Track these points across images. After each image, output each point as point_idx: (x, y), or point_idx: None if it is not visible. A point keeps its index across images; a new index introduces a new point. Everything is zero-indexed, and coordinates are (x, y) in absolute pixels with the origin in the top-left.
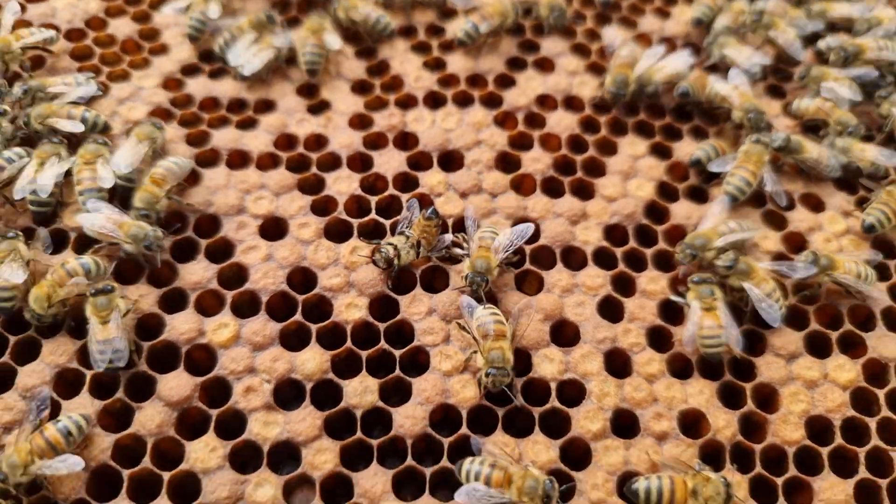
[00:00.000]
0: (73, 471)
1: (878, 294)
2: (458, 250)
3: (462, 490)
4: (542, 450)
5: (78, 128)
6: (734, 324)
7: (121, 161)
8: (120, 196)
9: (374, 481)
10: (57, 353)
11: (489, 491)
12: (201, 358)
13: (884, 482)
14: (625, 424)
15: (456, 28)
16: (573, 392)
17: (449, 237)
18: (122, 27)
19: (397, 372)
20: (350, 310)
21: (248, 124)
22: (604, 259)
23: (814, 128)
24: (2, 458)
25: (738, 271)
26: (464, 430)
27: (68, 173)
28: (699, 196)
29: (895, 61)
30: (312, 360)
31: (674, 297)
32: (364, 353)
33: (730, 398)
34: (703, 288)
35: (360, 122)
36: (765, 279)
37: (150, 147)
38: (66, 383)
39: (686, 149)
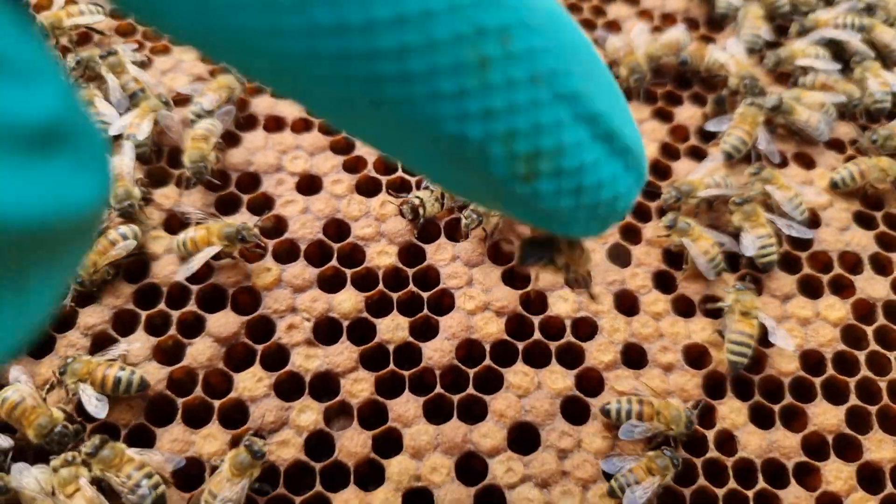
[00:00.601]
0: (93, 413)
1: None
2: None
3: (622, 430)
4: (558, 378)
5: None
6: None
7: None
8: None
9: (406, 407)
10: (114, 294)
11: (643, 425)
12: (245, 300)
13: (873, 408)
14: (634, 357)
15: None
16: (586, 328)
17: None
18: None
19: (425, 311)
20: (381, 256)
21: None
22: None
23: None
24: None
25: (678, 230)
26: (487, 362)
27: None
28: (699, 155)
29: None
30: (348, 301)
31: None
32: (395, 295)
33: None
34: (744, 295)
35: None
36: (702, 237)
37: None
38: (122, 323)
39: (686, 113)
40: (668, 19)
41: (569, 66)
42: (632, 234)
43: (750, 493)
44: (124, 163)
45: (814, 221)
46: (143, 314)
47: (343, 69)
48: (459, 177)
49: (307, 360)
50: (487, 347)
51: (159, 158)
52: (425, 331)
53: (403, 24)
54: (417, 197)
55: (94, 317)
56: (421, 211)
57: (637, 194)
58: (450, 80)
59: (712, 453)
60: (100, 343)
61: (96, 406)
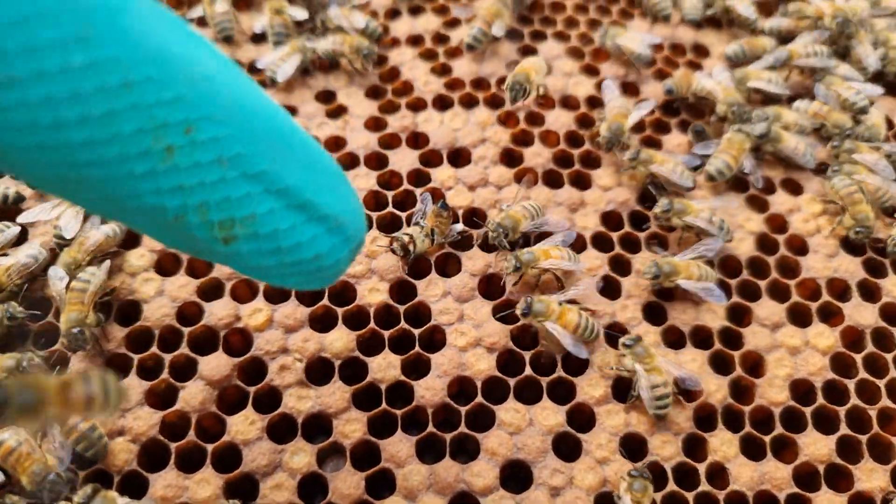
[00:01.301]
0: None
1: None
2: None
3: None
4: (550, 414)
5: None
6: (675, 367)
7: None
8: None
9: (398, 447)
10: (106, 338)
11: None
12: (237, 341)
13: (863, 437)
14: (625, 390)
15: (463, 34)
16: (577, 363)
17: (459, 226)
18: None
19: (417, 349)
20: (372, 294)
21: None
22: (601, 242)
23: None
24: None
25: (535, 314)
26: (479, 399)
27: None
28: None
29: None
30: (340, 340)
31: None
32: (386, 333)
33: (720, 365)
34: (637, 349)
35: (374, 124)
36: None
37: None
38: (116, 367)
39: (674, 140)
40: (657, 46)
41: (256, 149)
42: (621, 266)
43: None
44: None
45: (801, 248)
46: (136, 358)
47: (48, 156)
48: (174, 238)
49: (299, 402)
50: (479, 384)
51: None
52: (417, 368)
53: (88, 122)
54: (407, 234)
55: (85, 363)
56: (411, 248)
57: (346, 254)
58: (141, 162)
59: (704, 486)
60: None
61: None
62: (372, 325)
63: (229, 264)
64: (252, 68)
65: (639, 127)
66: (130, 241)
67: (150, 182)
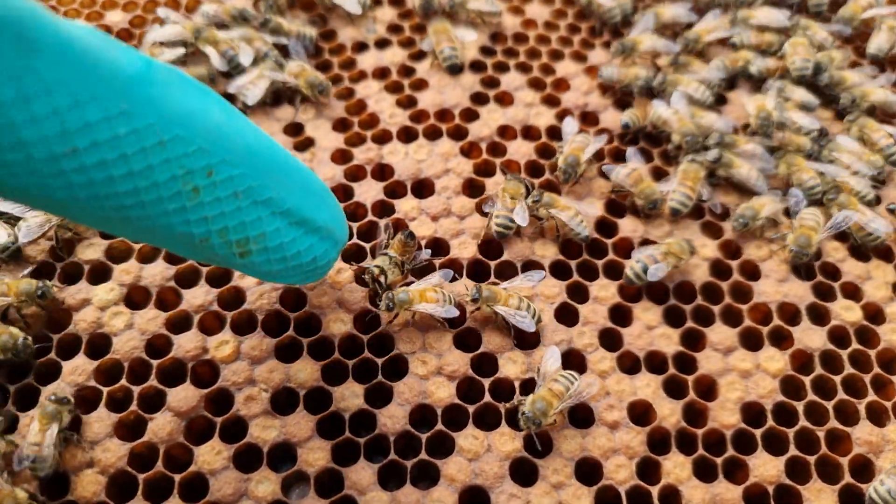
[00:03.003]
0: None
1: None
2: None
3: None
4: (507, 440)
5: None
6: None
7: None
8: None
9: (361, 475)
10: (76, 372)
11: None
12: (205, 372)
13: (811, 458)
14: (581, 416)
15: (425, 66)
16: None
17: (425, 253)
18: None
19: (380, 377)
20: (336, 324)
21: None
22: (560, 270)
23: None
24: None
25: (484, 299)
26: (439, 426)
27: None
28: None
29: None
30: (304, 370)
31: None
32: (350, 362)
33: (674, 389)
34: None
35: (341, 156)
36: (510, 296)
37: None
38: (85, 400)
39: None
40: None
41: (262, 181)
42: (579, 293)
43: None
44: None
45: (754, 273)
46: (105, 390)
47: (99, 203)
48: (199, 255)
49: (264, 431)
50: (439, 412)
51: None
52: (380, 396)
53: (132, 176)
54: (377, 266)
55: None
56: (382, 279)
57: (335, 254)
58: (174, 202)
59: None
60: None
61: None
62: (336, 354)
63: (244, 271)
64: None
65: (598, 156)
66: (100, 275)
67: (180, 216)
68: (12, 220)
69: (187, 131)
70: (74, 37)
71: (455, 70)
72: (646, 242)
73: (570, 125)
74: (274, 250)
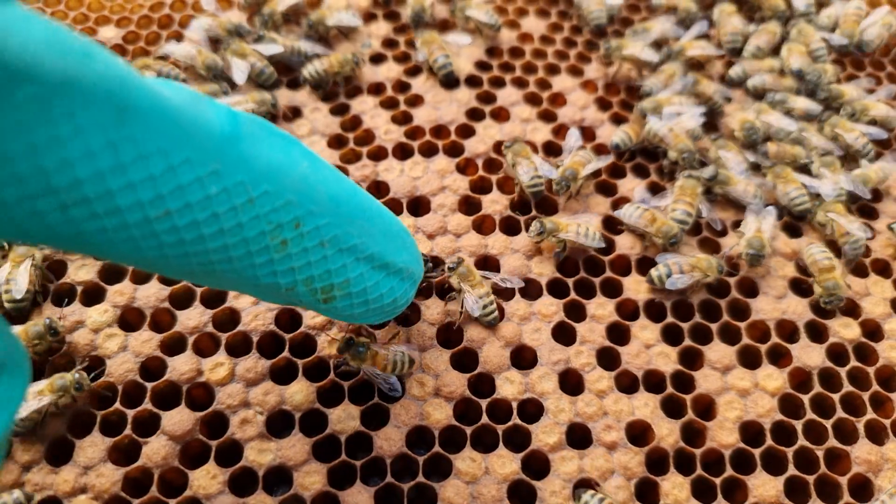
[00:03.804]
0: None
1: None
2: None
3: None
4: (505, 462)
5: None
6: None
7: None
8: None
9: (358, 498)
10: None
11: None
12: (200, 395)
13: (811, 478)
14: (579, 436)
15: (421, 81)
16: (532, 409)
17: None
18: None
19: (376, 399)
20: (332, 345)
21: None
22: (557, 288)
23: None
24: None
25: (459, 274)
26: (436, 448)
27: None
28: None
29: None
30: (300, 392)
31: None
32: (346, 384)
33: (672, 409)
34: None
35: None
36: (480, 283)
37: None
38: (80, 424)
39: (629, 185)
40: (612, 89)
41: (347, 229)
42: (576, 312)
43: None
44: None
45: (751, 290)
46: (99, 414)
47: (189, 260)
48: (282, 300)
49: (260, 455)
50: (436, 434)
51: None
52: (376, 418)
53: (222, 233)
54: None
55: (52, 425)
56: None
57: (413, 292)
58: (261, 256)
59: None
60: (55, 447)
61: None
62: (332, 376)
63: (326, 314)
64: None
65: (594, 172)
66: (93, 296)
67: (267, 268)
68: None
69: (275, 186)
70: (166, 100)
71: (450, 79)
72: (644, 260)
73: (573, 137)
74: (357, 295)
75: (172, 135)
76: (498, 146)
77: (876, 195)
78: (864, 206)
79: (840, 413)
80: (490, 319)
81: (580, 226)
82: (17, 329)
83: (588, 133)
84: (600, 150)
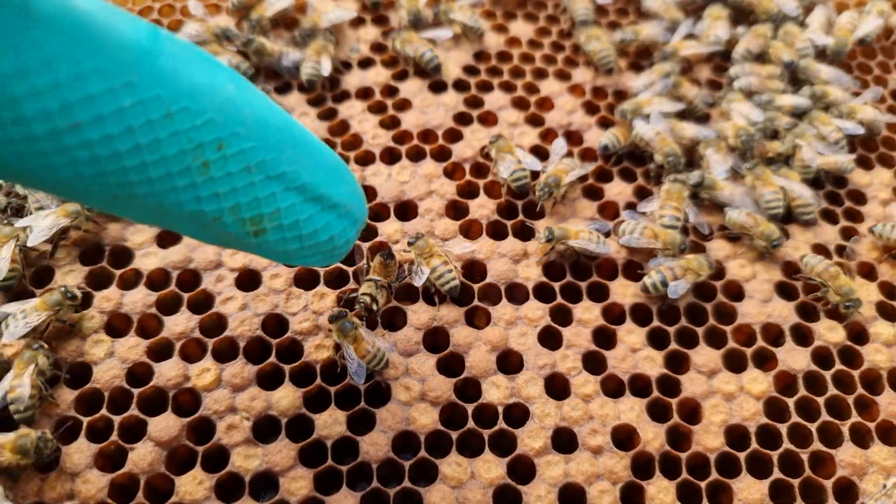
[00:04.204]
0: None
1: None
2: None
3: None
4: (491, 467)
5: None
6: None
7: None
8: None
9: (344, 503)
10: (56, 402)
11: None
12: (187, 400)
13: (795, 481)
14: (564, 441)
15: (411, 87)
16: (518, 414)
17: (407, 266)
18: None
19: (362, 404)
20: (319, 350)
21: None
22: (543, 293)
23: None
24: None
25: (417, 248)
26: (422, 453)
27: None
28: None
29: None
30: (286, 398)
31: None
32: (332, 389)
33: (658, 413)
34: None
35: None
36: (437, 255)
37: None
38: (67, 430)
39: (615, 189)
40: (600, 93)
41: (276, 156)
42: (563, 316)
43: None
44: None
45: (738, 294)
46: (85, 420)
47: (106, 180)
48: (211, 236)
49: (246, 461)
50: (422, 438)
51: (101, 258)
52: (363, 423)
53: (139, 150)
54: (366, 294)
55: (36, 427)
56: (374, 307)
57: (354, 233)
58: (183, 178)
59: None
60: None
61: None
62: (318, 381)
63: (259, 252)
64: None
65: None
66: (81, 303)
67: (190, 192)
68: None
69: (196, 103)
70: (77, 6)
71: (437, 71)
72: (630, 264)
73: (559, 145)
74: (289, 228)
75: (81, 40)
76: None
77: (860, 199)
78: (850, 210)
79: (825, 416)
80: (448, 289)
81: (591, 233)
82: (36, 301)
83: (575, 137)
84: (588, 154)
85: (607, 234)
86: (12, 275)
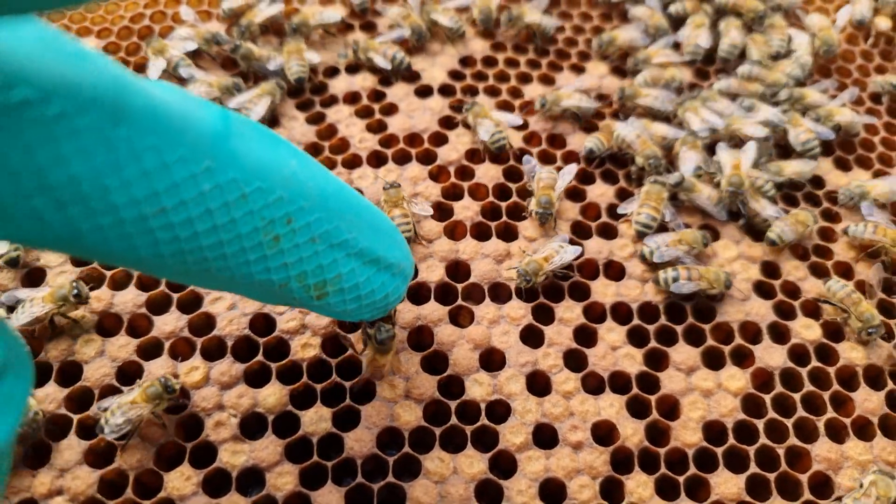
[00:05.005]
0: None
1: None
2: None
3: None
4: (473, 462)
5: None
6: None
7: None
8: None
9: (328, 498)
10: (47, 401)
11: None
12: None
13: (772, 476)
14: (545, 437)
15: (400, 91)
16: (500, 410)
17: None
18: None
19: (348, 401)
20: (305, 349)
21: None
22: (526, 292)
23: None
24: None
25: (388, 194)
26: (406, 449)
27: None
28: (608, 233)
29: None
30: (273, 395)
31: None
32: (318, 387)
33: (637, 409)
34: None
35: None
36: (402, 208)
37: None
38: (55, 427)
39: (598, 191)
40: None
41: (337, 224)
42: (544, 315)
43: None
44: None
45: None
46: (75, 418)
47: (184, 257)
48: (276, 299)
49: (233, 457)
50: (406, 434)
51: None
52: (348, 420)
53: (216, 230)
54: None
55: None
56: None
57: (405, 288)
58: (255, 252)
59: None
60: (33, 451)
61: None
62: (305, 378)
63: (320, 311)
64: None
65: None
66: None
67: (261, 265)
68: None
69: (267, 182)
70: (159, 99)
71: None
72: (611, 264)
73: (528, 163)
74: (349, 290)
75: (165, 133)
76: (470, 154)
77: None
78: (828, 211)
79: (801, 412)
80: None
81: (559, 248)
82: (45, 293)
83: (558, 141)
84: (570, 157)
85: (572, 242)
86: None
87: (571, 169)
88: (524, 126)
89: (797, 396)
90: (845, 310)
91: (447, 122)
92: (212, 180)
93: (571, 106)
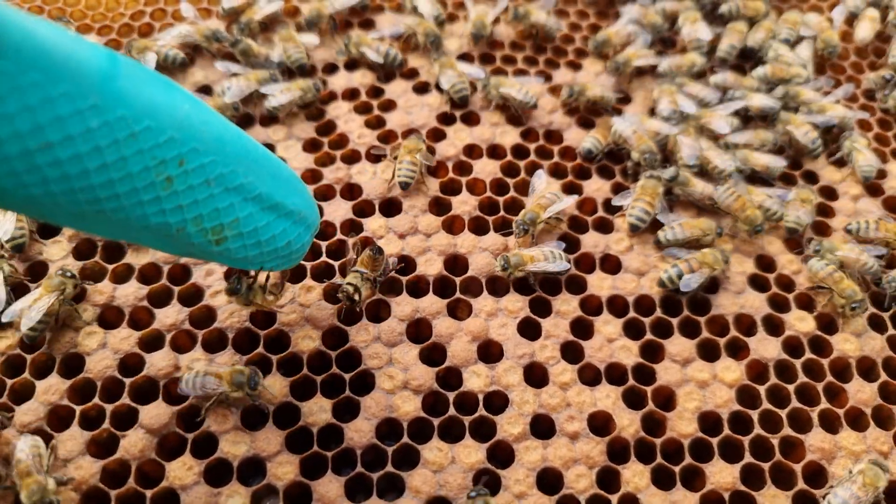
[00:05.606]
0: None
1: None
2: None
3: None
4: (471, 452)
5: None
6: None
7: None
8: None
9: (328, 487)
10: (49, 392)
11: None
12: (177, 389)
13: (766, 465)
14: (542, 427)
15: (399, 87)
16: (498, 401)
17: (392, 260)
18: None
19: (347, 392)
20: (305, 341)
21: None
22: (523, 286)
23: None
24: None
25: (410, 140)
26: (405, 439)
27: None
28: (605, 228)
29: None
30: (274, 386)
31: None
32: (318, 378)
33: (633, 400)
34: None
35: (311, 176)
36: (412, 157)
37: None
38: (58, 418)
39: (594, 185)
40: None
41: (233, 168)
42: (541, 307)
43: None
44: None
45: (711, 286)
46: (78, 409)
47: (75, 197)
48: (176, 246)
49: (234, 447)
50: (405, 425)
51: (94, 253)
52: (347, 411)
53: (106, 168)
54: (350, 284)
55: (29, 415)
56: (357, 297)
57: (308, 238)
58: (148, 192)
59: None
60: None
61: None
62: (305, 370)
63: (221, 260)
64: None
65: (559, 173)
66: (74, 296)
67: (155, 206)
68: None
69: (157, 122)
70: (42, 35)
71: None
72: (607, 257)
73: (539, 179)
74: (248, 235)
75: (48, 68)
76: (468, 149)
77: (832, 194)
78: (821, 206)
79: (795, 403)
80: (398, 181)
81: (549, 253)
82: (40, 288)
83: (555, 136)
84: (567, 152)
85: (566, 250)
86: (21, 232)
87: (569, 200)
88: (522, 122)
89: (791, 388)
90: (829, 288)
91: (445, 118)
92: (99, 117)
93: (596, 96)
